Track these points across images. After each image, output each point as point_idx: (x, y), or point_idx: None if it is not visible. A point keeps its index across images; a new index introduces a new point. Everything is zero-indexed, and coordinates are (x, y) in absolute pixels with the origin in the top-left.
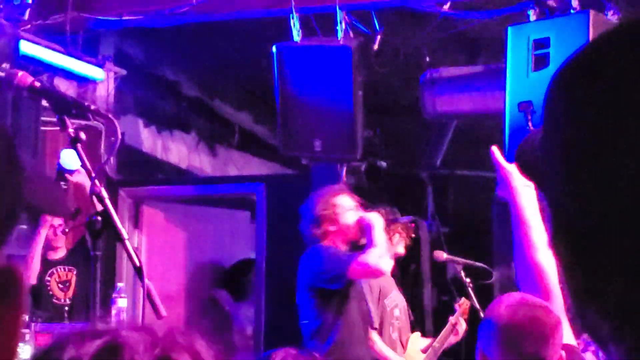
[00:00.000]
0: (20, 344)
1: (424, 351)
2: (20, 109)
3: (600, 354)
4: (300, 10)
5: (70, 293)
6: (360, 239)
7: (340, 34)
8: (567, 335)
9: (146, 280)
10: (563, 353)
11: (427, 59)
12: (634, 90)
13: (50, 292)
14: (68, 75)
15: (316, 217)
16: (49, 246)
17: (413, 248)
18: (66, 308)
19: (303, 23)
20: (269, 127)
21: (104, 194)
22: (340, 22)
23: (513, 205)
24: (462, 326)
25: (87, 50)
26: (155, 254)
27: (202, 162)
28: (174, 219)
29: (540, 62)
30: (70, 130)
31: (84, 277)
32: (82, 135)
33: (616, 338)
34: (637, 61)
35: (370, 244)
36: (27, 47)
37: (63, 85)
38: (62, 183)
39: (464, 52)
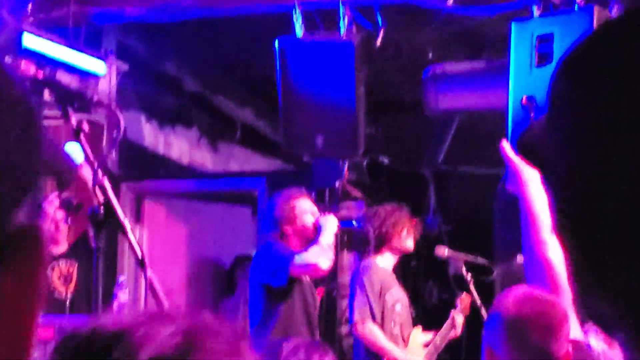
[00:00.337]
0: None
1: (426, 346)
2: None
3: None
4: (303, 5)
5: (71, 287)
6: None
7: (343, 30)
8: (575, 331)
9: (149, 272)
10: (570, 347)
11: (430, 55)
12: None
13: (52, 286)
14: (70, 69)
15: (275, 218)
16: (50, 240)
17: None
18: (67, 302)
19: (305, 18)
20: (271, 123)
21: (107, 185)
22: (343, 18)
23: (523, 200)
24: (459, 320)
25: (90, 44)
26: (157, 249)
27: (203, 158)
28: (175, 214)
29: (544, 58)
30: (73, 121)
31: (86, 272)
32: (85, 127)
33: (620, 322)
34: None
35: (313, 242)
36: (29, 41)
37: (65, 79)
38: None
39: (467, 48)
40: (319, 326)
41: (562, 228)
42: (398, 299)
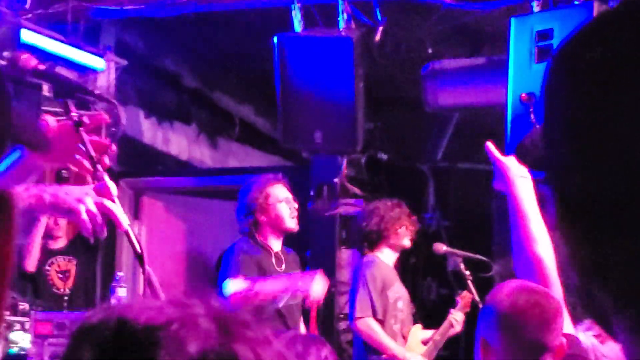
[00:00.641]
0: (20, 332)
1: (425, 343)
2: (20, 98)
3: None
4: (301, 1)
5: (69, 283)
6: (292, 230)
7: (342, 25)
8: (567, 325)
9: (147, 267)
10: (564, 340)
11: (430, 50)
12: (636, 63)
13: (50, 282)
14: (69, 64)
15: (248, 206)
16: (49, 235)
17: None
18: (65, 298)
19: (304, 14)
20: (269, 120)
21: (106, 178)
22: (342, 13)
23: (511, 197)
24: (459, 318)
25: (88, 40)
26: (155, 245)
27: (202, 154)
28: (174, 210)
29: (544, 53)
30: (74, 114)
31: (84, 267)
32: (86, 120)
33: (619, 313)
34: (638, 35)
35: (280, 281)
36: (28, 36)
37: (64, 74)
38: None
39: (467, 44)
40: (317, 321)
41: (562, 221)
42: (400, 295)
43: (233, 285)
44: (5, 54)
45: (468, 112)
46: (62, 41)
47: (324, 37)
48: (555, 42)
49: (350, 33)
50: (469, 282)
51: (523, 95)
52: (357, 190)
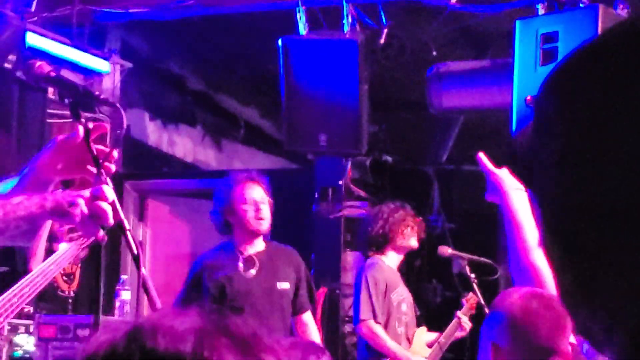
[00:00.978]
0: (24, 335)
1: (430, 346)
2: (26, 101)
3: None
4: (306, 3)
5: (74, 285)
6: (258, 232)
7: (346, 28)
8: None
9: (143, 270)
10: (570, 347)
11: (434, 53)
12: (627, 89)
13: (55, 284)
14: (74, 67)
15: (216, 206)
16: (54, 237)
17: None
18: (70, 300)
19: (309, 16)
20: (274, 122)
21: (110, 184)
22: (347, 16)
23: (505, 208)
24: (468, 323)
25: (93, 43)
26: (160, 247)
27: (207, 156)
28: (179, 212)
29: (549, 56)
30: (82, 120)
31: (89, 270)
32: (90, 126)
33: (607, 338)
34: (630, 61)
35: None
36: (33, 39)
37: (69, 78)
38: None
39: (472, 47)
40: (321, 324)
41: (550, 245)
42: (403, 298)
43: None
44: (11, 57)
45: (473, 114)
46: (67, 44)
47: (328, 40)
48: (560, 44)
49: (355, 36)
50: (474, 285)
51: (528, 97)
52: (361, 193)
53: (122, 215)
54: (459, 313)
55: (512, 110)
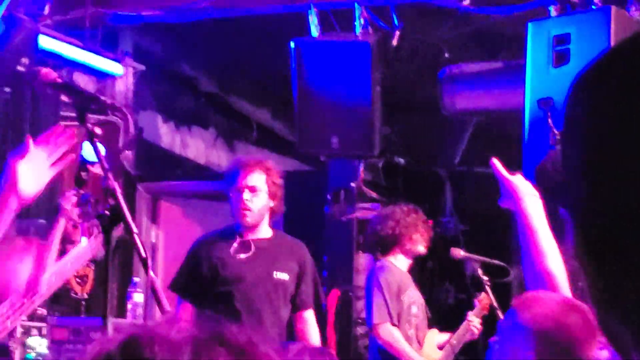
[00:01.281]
0: (37, 338)
1: (441, 347)
2: (39, 103)
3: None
4: (318, 6)
5: (87, 287)
6: (247, 222)
7: (358, 30)
8: None
9: (151, 273)
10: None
11: (446, 55)
12: None
13: (68, 286)
14: (87, 70)
15: (225, 190)
16: (67, 240)
17: (430, 246)
18: (83, 302)
19: (321, 18)
20: (287, 123)
21: (117, 188)
22: (359, 18)
23: (520, 214)
24: (478, 325)
25: (106, 46)
26: (172, 249)
27: (220, 158)
28: (191, 214)
29: (561, 58)
30: (89, 125)
31: (102, 272)
32: (98, 130)
33: (637, 344)
34: None
35: None
36: (46, 42)
37: (82, 80)
38: (83, 173)
39: (484, 49)
40: (335, 327)
41: (581, 252)
42: (414, 300)
43: None
44: (24, 60)
45: (485, 116)
46: (80, 47)
47: (340, 42)
48: (572, 46)
49: (367, 37)
50: (487, 287)
51: (541, 99)
52: (374, 195)
53: (129, 219)
54: (470, 314)
55: (525, 112)
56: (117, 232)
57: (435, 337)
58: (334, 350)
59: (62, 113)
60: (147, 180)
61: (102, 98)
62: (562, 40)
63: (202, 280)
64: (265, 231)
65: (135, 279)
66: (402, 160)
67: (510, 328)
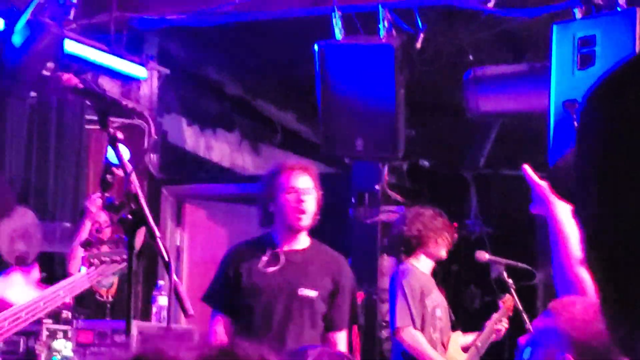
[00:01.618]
0: (62, 341)
1: (465, 350)
2: (64, 107)
3: None
4: (342, 9)
5: (112, 290)
6: (296, 228)
7: (382, 33)
8: None
9: (174, 277)
10: None
11: (471, 57)
12: None
13: (93, 289)
14: (112, 74)
15: (259, 194)
16: (89, 243)
17: (455, 248)
18: (108, 305)
19: (345, 21)
20: (311, 126)
21: (139, 192)
22: (383, 21)
23: (552, 219)
24: (504, 325)
25: (131, 50)
26: (197, 252)
27: (244, 161)
28: (216, 217)
29: (586, 60)
30: (110, 129)
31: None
32: (120, 135)
33: None
34: None
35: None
36: (71, 46)
37: (107, 84)
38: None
39: (509, 51)
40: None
41: (591, 258)
42: (438, 303)
43: None
44: (49, 65)
45: (510, 118)
46: (105, 51)
47: (364, 45)
48: (597, 48)
49: (391, 40)
50: (512, 290)
51: (566, 102)
52: (398, 197)
53: (152, 223)
54: (495, 315)
55: (550, 114)
56: (141, 236)
57: (460, 338)
58: (358, 353)
59: (86, 117)
60: (172, 184)
61: (123, 102)
62: (587, 42)
63: (228, 290)
64: (303, 241)
65: (160, 282)
66: (426, 163)
67: (545, 332)
